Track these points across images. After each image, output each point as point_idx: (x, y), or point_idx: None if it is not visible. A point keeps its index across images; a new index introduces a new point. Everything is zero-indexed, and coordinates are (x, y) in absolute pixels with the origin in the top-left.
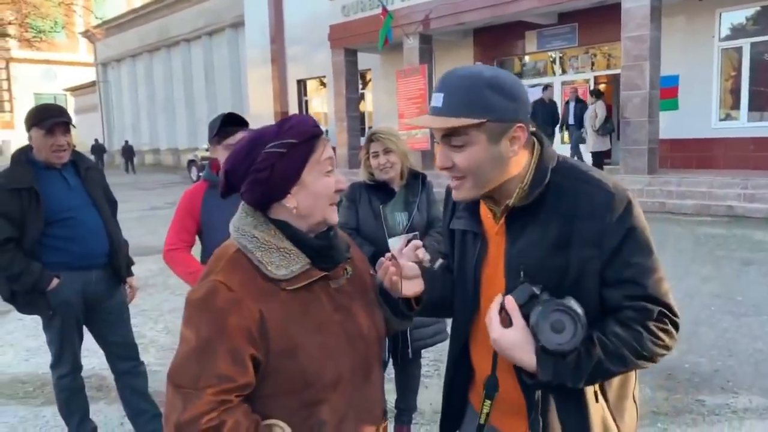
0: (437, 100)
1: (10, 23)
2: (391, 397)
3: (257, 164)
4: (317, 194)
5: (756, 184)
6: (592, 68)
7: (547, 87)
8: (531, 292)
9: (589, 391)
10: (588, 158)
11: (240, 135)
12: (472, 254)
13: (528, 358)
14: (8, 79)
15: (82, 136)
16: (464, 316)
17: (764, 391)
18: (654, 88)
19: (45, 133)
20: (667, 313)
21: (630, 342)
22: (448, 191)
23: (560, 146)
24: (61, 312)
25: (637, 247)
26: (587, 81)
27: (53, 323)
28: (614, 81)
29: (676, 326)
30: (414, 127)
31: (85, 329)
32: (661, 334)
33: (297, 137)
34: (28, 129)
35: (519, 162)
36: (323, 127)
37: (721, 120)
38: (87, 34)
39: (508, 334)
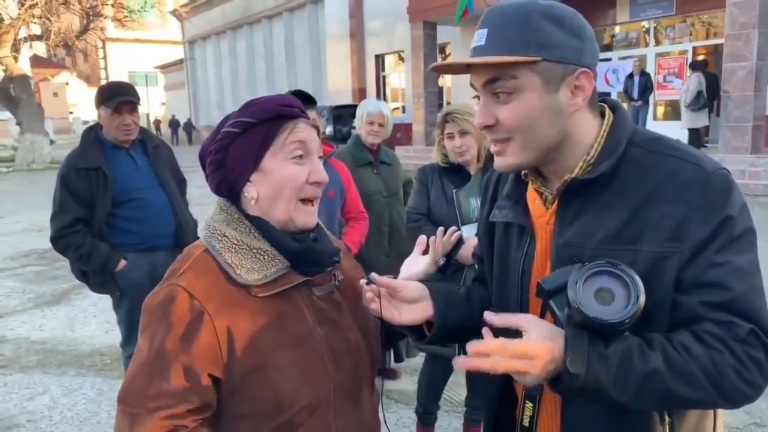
0: (479, 37)
1: (104, 4)
2: (458, 392)
3: (215, 143)
4: (279, 185)
5: None
6: (690, 38)
7: None
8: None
9: (654, 419)
10: (683, 136)
11: (308, 113)
12: (516, 253)
13: (556, 352)
14: (105, 57)
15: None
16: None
17: None
18: (762, 59)
19: (112, 112)
20: (762, 335)
21: (704, 360)
22: (488, 181)
23: None
24: (130, 293)
25: (730, 242)
26: (684, 52)
27: (122, 304)
28: (714, 52)
29: None
30: None
31: None
32: (750, 365)
33: (256, 116)
34: (97, 107)
35: (584, 126)
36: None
37: None
38: (175, 13)
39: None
